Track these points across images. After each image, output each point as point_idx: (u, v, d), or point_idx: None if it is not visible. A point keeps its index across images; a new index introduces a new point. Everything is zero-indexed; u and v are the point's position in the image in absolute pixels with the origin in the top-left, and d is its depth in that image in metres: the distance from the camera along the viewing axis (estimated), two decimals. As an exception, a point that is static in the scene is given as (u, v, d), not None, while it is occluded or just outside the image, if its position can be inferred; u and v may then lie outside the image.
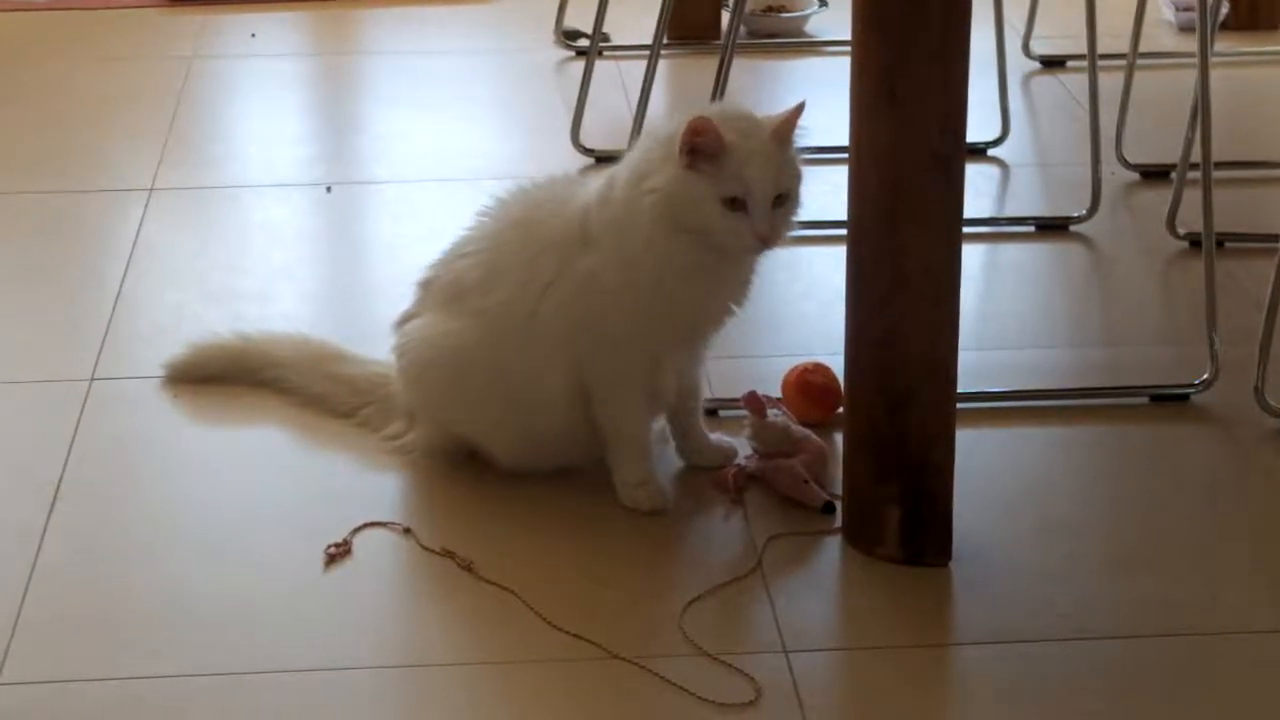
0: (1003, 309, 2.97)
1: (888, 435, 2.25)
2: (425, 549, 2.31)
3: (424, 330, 2.45)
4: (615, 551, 2.32)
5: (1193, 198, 2.86)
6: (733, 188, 2.23)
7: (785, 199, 2.27)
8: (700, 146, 2.23)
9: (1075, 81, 3.80)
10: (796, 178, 2.28)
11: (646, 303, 2.32)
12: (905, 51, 2.14)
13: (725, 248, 2.27)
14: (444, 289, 2.45)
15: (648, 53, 3.18)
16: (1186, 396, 2.66)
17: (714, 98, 2.83)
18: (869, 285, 2.23)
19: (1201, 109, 2.78)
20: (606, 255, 2.32)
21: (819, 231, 2.86)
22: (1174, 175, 3.12)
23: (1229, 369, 2.65)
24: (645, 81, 3.14)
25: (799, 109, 2.27)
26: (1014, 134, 3.53)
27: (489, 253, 2.42)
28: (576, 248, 2.35)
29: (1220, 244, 2.93)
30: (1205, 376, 2.66)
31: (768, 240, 2.26)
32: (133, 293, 2.99)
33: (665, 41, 3.22)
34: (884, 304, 2.22)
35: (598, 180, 2.40)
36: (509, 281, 2.38)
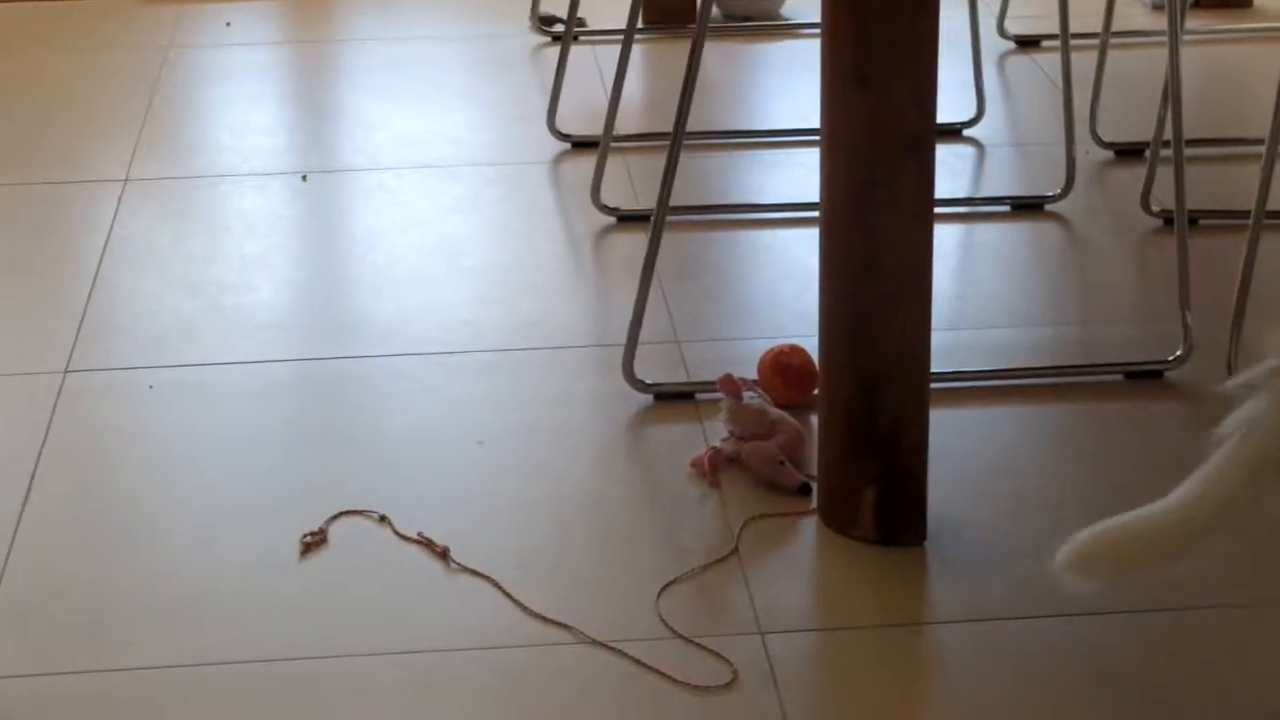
0: (978, 289, 2.97)
1: (862, 416, 2.25)
2: (401, 536, 2.31)
3: None
4: (591, 537, 2.32)
5: (1166, 176, 2.86)
6: None
7: None
8: None
9: (1050, 61, 3.80)
10: None
11: None
12: (875, 32, 2.14)
13: None
14: None
15: (623, 37, 3.19)
16: (1160, 373, 2.67)
17: (687, 81, 2.83)
18: (841, 266, 2.23)
19: (1172, 87, 2.78)
20: None
21: (794, 214, 2.87)
22: (1148, 153, 3.13)
23: (1202, 345, 2.66)
24: (620, 66, 3.14)
25: None
26: (989, 114, 3.53)
27: None
28: None
29: (1194, 221, 2.94)
30: (1179, 353, 2.67)
31: None
32: (108, 284, 2.99)
33: (640, 26, 3.22)
34: (856, 285, 2.22)
35: None
36: None
